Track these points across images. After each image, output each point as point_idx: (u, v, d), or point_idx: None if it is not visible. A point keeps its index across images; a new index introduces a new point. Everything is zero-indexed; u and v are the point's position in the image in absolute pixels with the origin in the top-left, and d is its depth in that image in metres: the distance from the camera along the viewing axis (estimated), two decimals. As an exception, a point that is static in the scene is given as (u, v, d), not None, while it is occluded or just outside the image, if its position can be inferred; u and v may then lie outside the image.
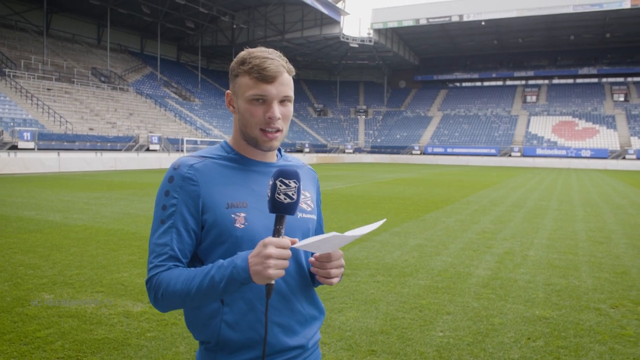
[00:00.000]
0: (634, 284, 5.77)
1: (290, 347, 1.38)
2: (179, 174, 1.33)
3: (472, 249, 7.59)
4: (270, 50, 1.39)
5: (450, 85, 72.80)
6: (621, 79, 62.55)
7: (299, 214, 1.42)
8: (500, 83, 70.02)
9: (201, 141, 38.96)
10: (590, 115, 56.77)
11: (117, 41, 51.25)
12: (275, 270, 1.16)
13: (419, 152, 56.89)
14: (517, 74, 67.41)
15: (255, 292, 1.33)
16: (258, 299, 1.33)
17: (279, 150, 1.50)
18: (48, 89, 35.82)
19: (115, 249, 7.04)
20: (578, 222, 10.67)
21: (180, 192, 1.33)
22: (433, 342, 3.92)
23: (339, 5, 54.27)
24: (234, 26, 54.28)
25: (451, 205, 13.36)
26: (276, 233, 1.20)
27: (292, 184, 1.20)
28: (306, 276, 1.45)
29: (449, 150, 56.22)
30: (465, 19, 53.56)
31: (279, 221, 1.21)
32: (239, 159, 1.42)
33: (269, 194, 1.21)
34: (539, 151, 52.26)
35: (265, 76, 1.32)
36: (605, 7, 47.77)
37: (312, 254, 1.39)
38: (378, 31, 58.31)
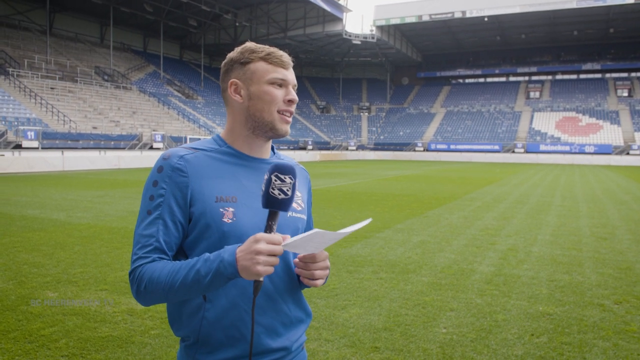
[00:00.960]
0: (638, 279, 5.75)
1: (272, 349, 1.34)
2: (169, 164, 1.31)
3: (476, 246, 7.58)
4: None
5: (453, 81, 72.63)
6: (625, 74, 62.28)
7: (289, 213, 1.39)
8: (503, 79, 69.81)
9: (204, 139, 38.93)
10: (594, 111, 56.53)
11: (120, 40, 51.35)
12: (265, 267, 1.12)
13: (422, 148, 56.84)
14: (520, 69, 67.19)
15: (239, 289, 1.29)
16: (242, 296, 1.29)
17: (272, 148, 1.49)
18: (52, 88, 35.91)
19: (119, 247, 7.06)
20: (582, 218, 10.64)
21: (169, 182, 1.29)
22: (436, 339, 3.92)
23: (342, 2, 54.17)
24: (237, 24, 54.30)
25: (454, 202, 13.34)
26: (268, 229, 1.17)
27: (288, 180, 1.18)
28: (294, 277, 1.40)
29: (452, 146, 56.11)
30: (467, 15, 53.46)
31: (271, 217, 1.18)
32: (232, 153, 1.40)
33: (263, 189, 1.18)
34: (542, 147, 52.09)
35: (284, 62, 1.39)
36: (609, 2, 47.56)
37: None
38: (380, 28, 58.22)
